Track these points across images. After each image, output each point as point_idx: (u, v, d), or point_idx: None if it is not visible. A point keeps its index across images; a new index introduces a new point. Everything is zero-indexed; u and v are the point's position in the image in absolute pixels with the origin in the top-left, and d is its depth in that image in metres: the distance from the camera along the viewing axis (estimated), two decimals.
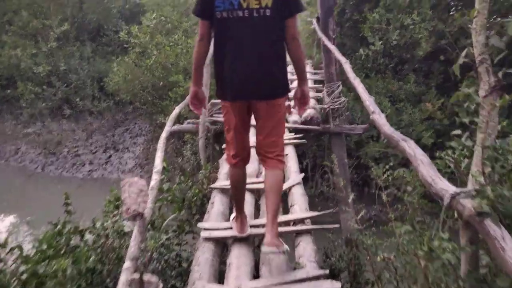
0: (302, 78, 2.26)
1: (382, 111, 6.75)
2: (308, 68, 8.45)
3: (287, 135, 3.97)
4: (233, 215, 2.55)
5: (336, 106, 4.50)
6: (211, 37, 2.18)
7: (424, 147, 6.89)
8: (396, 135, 1.92)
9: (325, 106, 4.57)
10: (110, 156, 10.85)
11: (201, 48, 2.18)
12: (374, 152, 6.66)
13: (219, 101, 4.38)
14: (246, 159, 2.35)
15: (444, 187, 1.29)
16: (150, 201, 2.04)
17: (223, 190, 3.02)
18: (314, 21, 4.60)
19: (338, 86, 4.60)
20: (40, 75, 11.95)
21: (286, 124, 4.32)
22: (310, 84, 6.65)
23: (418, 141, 6.96)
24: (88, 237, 2.48)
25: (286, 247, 2.14)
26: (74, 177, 10.10)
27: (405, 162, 7.19)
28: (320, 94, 4.87)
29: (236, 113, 2.19)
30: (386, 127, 2.16)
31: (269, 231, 2.12)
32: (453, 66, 1.92)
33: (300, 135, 3.97)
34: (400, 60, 7.99)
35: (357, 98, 7.55)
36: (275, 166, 2.24)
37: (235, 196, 2.45)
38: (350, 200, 3.16)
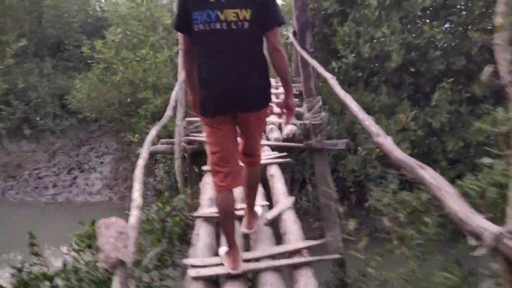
0: (287, 91, 2.28)
1: (358, 124, 6.72)
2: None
3: (271, 154, 3.79)
4: (223, 248, 2.38)
5: (317, 122, 4.37)
6: (191, 49, 2.16)
7: None
8: (411, 161, 1.78)
9: (306, 121, 4.43)
10: (75, 178, 10.26)
11: (189, 61, 2.21)
12: (353, 165, 6.61)
13: (195, 119, 4.11)
14: (236, 179, 2.24)
15: (483, 224, 1.13)
16: (131, 244, 1.78)
17: (207, 219, 2.78)
18: (291, 34, 4.47)
19: (318, 101, 4.49)
20: None
21: (268, 142, 4.15)
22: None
23: None
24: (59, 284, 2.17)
25: (260, 221, 2.66)
26: (37, 202, 9.45)
27: (383, 175, 7.28)
28: (299, 109, 4.73)
29: (220, 128, 2.15)
30: (396, 152, 2.01)
31: (247, 219, 2.61)
32: (474, 85, 1.78)
33: (284, 154, 3.80)
34: (371, 72, 8.05)
35: (333, 111, 7.59)
36: (255, 163, 2.44)
37: (225, 227, 2.28)
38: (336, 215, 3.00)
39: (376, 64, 7.76)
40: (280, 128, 4.66)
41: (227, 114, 2.13)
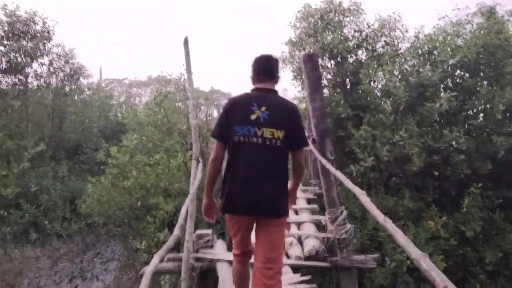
0: (295, 187, 2.68)
1: (382, 231, 6.18)
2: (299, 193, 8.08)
3: (293, 278, 3.29)
4: None
5: (342, 236, 3.91)
6: (224, 157, 2.45)
7: None
8: None
9: (330, 235, 3.98)
10: (76, 287, 9.50)
11: (216, 166, 2.45)
12: (381, 279, 5.91)
13: (205, 232, 4.06)
14: (249, 256, 2.59)
15: None
16: None
17: None
18: (310, 141, 4.27)
19: (342, 211, 4.09)
20: (8, 197, 11.11)
21: (288, 261, 3.66)
22: (303, 204, 6.15)
23: None
24: None
25: None
26: None
27: None
28: (321, 219, 4.31)
29: (241, 225, 2.45)
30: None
31: None
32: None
33: (308, 277, 3.29)
34: (391, 175, 7.75)
35: (353, 216, 7.11)
36: (273, 278, 2.39)
37: None
38: None
39: (395, 167, 7.49)
40: (300, 241, 4.20)
41: (249, 216, 2.41)
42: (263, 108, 2.36)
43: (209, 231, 4.14)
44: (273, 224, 2.40)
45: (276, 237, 2.42)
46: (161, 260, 3.97)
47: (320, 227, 4.86)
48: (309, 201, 6.49)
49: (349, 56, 8.73)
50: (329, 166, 3.84)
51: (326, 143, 4.19)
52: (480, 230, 6.24)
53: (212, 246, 4.07)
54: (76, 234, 11.14)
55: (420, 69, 7.09)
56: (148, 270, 2.20)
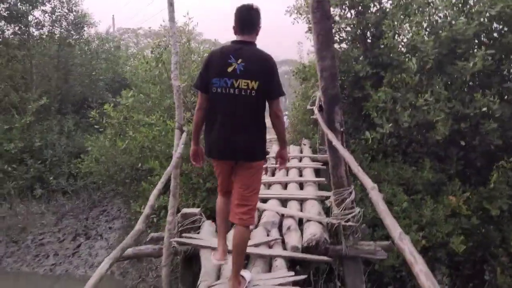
0: (282, 145, 2.83)
1: (397, 205, 5.56)
2: (306, 151, 7.43)
3: (285, 276, 2.75)
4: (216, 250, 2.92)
5: (349, 223, 3.33)
6: (207, 106, 2.62)
7: (454, 255, 5.71)
8: None
9: (334, 221, 3.40)
10: (79, 246, 9.40)
11: (200, 115, 2.68)
12: (393, 259, 5.39)
13: (192, 211, 3.69)
14: (230, 192, 2.77)
15: None
16: None
17: None
18: (315, 110, 3.58)
19: (350, 192, 3.48)
20: (12, 152, 10.89)
21: (283, 253, 3.12)
22: (310, 175, 5.55)
23: (445, 246, 5.76)
24: None
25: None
26: (34, 273, 8.58)
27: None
28: (327, 201, 3.72)
29: (222, 168, 2.71)
30: None
31: (232, 283, 2.62)
32: None
33: (303, 277, 2.75)
34: (410, 142, 7.01)
35: (358, 190, 6.50)
36: (243, 223, 2.60)
37: (219, 222, 2.89)
38: None
39: (417, 134, 6.73)
40: (300, 226, 3.64)
41: (228, 160, 2.63)
42: (240, 60, 2.49)
43: (196, 210, 3.61)
44: (248, 167, 2.61)
45: (251, 178, 2.64)
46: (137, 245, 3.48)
47: (326, 213, 4.27)
48: (317, 171, 5.88)
49: (371, 4, 7.69)
50: (336, 142, 3.17)
51: (335, 112, 3.50)
52: (507, 208, 5.56)
53: (199, 228, 3.55)
54: (81, 190, 10.96)
55: (453, 22, 6.09)
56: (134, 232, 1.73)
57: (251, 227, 3.00)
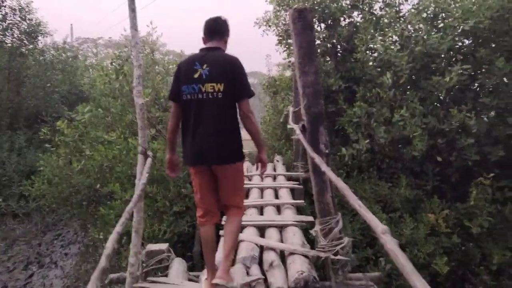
0: (259, 148, 2.76)
1: None
2: (280, 168, 7.08)
3: None
4: (205, 276, 2.80)
5: (338, 256, 2.97)
6: (179, 115, 2.65)
7: (436, 276, 5.50)
8: None
9: (321, 254, 3.03)
10: (31, 275, 8.50)
11: (173, 123, 2.71)
12: None
13: (158, 248, 3.27)
14: (214, 217, 2.74)
15: None
16: None
17: None
18: (297, 129, 3.23)
19: (338, 221, 3.13)
20: None
21: None
22: (287, 197, 5.18)
23: (427, 267, 5.55)
24: None
25: (235, 283, 2.58)
26: None
27: None
28: (311, 231, 3.35)
29: (199, 176, 2.66)
30: None
31: (221, 268, 2.57)
32: None
33: None
34: (385, 157, 6.84)
35: (343, 207, 6.23)
36: (235, 214, 2.71)
37: (206, 254, 2.73)
38: None
39: (392, 150, 6.56)
40: (283, 260, 3.23)
41: (204, 166, 2.61)
42: (205, 66, 2.54)
43: (164, 246, 3.13)
44: (228, 170, 2.59)
45: (233, 181, 2.66)
46: None
47: (306, 231, 3.91)
48: (293, 191, 5.53)
49: (342, 18, 7.55)
50: (323, 165, 2.82)
51: (320, 132, 3.16)
52: (487, 226, 5.44)
53: (167, 268, 3.06)
54: (34, 213, 10.04)
55: (425, 36, 6.01)
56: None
57: None
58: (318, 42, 7.92)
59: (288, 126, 3.58)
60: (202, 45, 2.68)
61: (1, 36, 12.63)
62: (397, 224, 5.77)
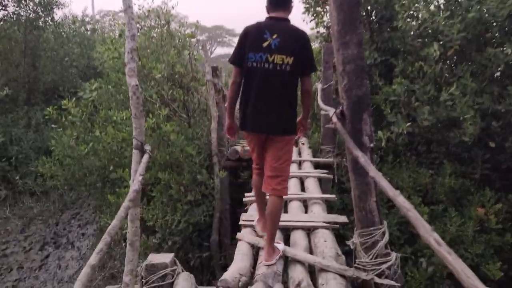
0: (305, 116, 2.94)
1: None
2: (306, 153, 6.39)
3: None
4: (257, 218, 3.24)
5: (384, 279, 2.35)
6: (242, 80, 2.71)
7: (484, 281, 4.81)
8: None
9: (363, 274, 2.41)
10: (47, 256, 8.31)
11: (235, 89, 2.75)
12: (415, 286, 4.48)
13: (161, 260, 2.82)
14: (263, 171, 2.87)
15: None
16: None
17: None
18: (333, 115, 2.55)
19: (384, 233, 2.49)
20: None
21: None
22: (314, 188, 4.53)
23: (476, 271, 4.86)
24: None
25: (276, 260, 2.74)
26: None
27: None
28: (349, 243, 2.71)
29: (255, 141, 2.83)
30: None
31: (266, 251, 2.79)
32: None
33: None
34: (426, 141, 6.05)
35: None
36: (277, 193, 2.75)
37: (257, 200, 3.15)
38: None
39: (435, 133, 5.77)
40: (313, 277, 2.64)
41: (261, 133, 2.73)
42: (275, 36, 2.55)
43: (168, 259, 2.57)
44: (280, 140, 2.70)
45: (282, 151, 2.73)
46: None
47: (341, 237, 3.30)
48: (320, 180, 4.87)
49: None
50: (366, 162, 2.17)
51: (363, 121, 2.48)
52: None
53: (172, 285, 2.52)
54: (52, 191, 9.82)
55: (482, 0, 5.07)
56: None
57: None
58: None
59: (322, 112, 2.92)
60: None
61: (16, 8, 12.18)
62: (440, 219, 5.06)
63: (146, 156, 2.26)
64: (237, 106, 3.03)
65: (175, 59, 6.27)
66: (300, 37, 2.57)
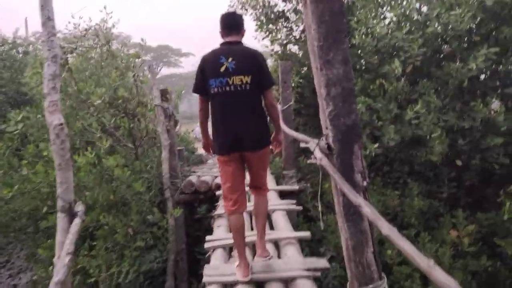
0: (277, 130, 3.06)
1: (389, 247, 4.36)
2: (269, 181, 5.88)
3: None
4: (236, 262, 2.98)
5: None
6: (208, 106, 2.83)
7: None
8: None
9: None
10: None
11: (203, 114, 2.89)
12: None
13: None
14: (242, 205, 2.88)
15: None
16: None
17: None
18: (316, 151, 2.08)
19: None
20: None
21: None
22: (285, 225, 4.01)
23: None
24: None
25: (271, 255, 3.09)
26: None
27: None
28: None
29: (232, 163, 2.82)
30: None
31: (259, 246, 3.08)
32: None
33: None
34: (390, 160, 5.83)
35: None
36: (263, 193, 3.04)
37: (237, 241, 2.91)
38: None
39: (399, 152, 5.54)
40: None
41: (237, 153, 2.79)
42: (230, 59, 2.68)
43: None
44: (257, 155, 2.82)
45: (263, 163, 2.94)
46: None
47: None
48: (289, 213, 4.38)
49: None
50: (365, 207, 1.71)
51: (354, 155, 2.05)
52: None
53: None
54: None
55: (442, 13, 4.94)
56: None
57: None
58: (301, 26, 6.79)
59: (301, 145, 2.48)
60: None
61: None
62: (414, 245, 4.74)
63: (77, 222, 1.63)
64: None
65: (118, 81, 5.59)
66: (253, 55, 2.73)
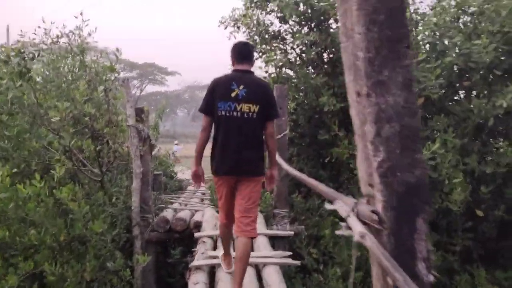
0: (272, 164, 3.07)
1: None
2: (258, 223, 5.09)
3: None
4: (221, 252, 3.38)
5: None
6: (211, 128, 2.92)
7: None
8: None
9: None
10: None
11: (204, 136, 2.94)
12: None
13: None
14: (232, 220, 2.99)
15: None
16: None
17: None
18: (353, 222, 1.29)
19: None
20: None
21: None
22: (277, 284, 3.20)
23: None
24: None
25: None
26: None
27: None
28: None
29: (226, 184, 2.91)
30: None
31: None
32: None
33: None
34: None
35: None
36: (246, 234, 2.84)
37: (224, 242, 3.31)
38: None
39: None
40: None
41: (232, 176, 2.86)
42: (241, 86, 2.80)
43: None
44: (250, 182, 2.85)
45: (252, 192, 2.86)
46: None
47: None
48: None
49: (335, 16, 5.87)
50: None
51: (417, 233, 1.30)
52: None
53: None
54: None
55: (458, 42, 4.39)
56: None
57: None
58: (302, 48, 6.18)
59: (327, 206, 1.78)
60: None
61: None
62: None
63: None
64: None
65: (86, 95, 4.79)
66: (264, 86, 2.93)
